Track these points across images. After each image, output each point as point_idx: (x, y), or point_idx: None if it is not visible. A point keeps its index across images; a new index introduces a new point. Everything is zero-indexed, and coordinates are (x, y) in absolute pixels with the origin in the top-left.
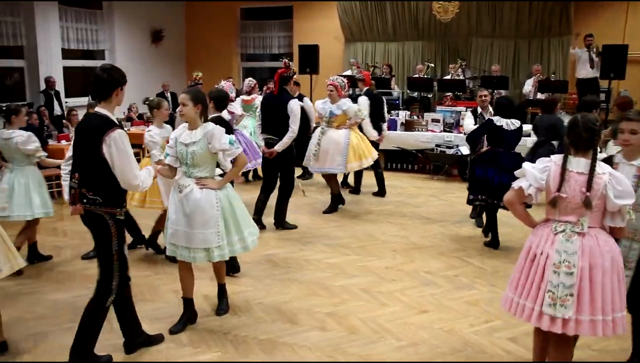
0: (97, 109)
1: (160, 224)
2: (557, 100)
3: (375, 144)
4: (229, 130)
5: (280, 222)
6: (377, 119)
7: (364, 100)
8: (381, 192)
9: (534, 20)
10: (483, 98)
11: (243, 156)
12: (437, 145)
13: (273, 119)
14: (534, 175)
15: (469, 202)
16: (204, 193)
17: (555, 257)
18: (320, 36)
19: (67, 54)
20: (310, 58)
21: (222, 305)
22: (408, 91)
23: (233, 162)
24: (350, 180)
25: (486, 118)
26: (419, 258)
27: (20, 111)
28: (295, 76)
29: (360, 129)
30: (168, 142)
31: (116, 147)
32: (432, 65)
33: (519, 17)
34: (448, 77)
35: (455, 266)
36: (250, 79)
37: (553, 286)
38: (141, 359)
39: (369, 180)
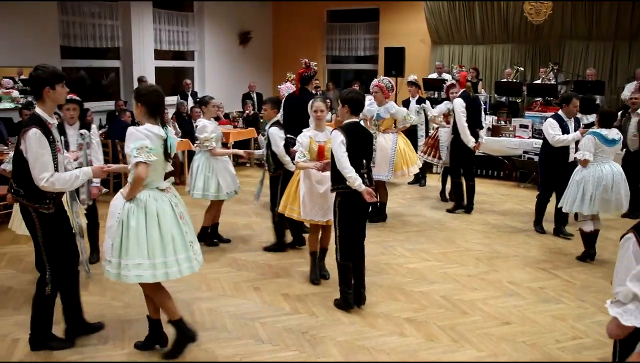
0: (35, 108)
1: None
2: None
3: (469, 152)
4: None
5: None
6: (473, 124)
7: (458, 103)
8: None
9: (637, 20)
10: (634, 100)
11: (140, 169)
12: (525, 152)
13: (294, 118)
14: None
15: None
16: (116, 199)
17: None
18: (407, 38)
19: (158, 54)
20: (396, 60)
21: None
22: (495, 95)
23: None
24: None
25: (632, 118)
26: (502, 268)
27: (209, 102)
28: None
29: (457, 134)
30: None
31: (28, 145)
32: (522, 68)
33: (620, 18)
34: (538, 81)
35: (541, 278)
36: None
37: None
38: (221, 353)
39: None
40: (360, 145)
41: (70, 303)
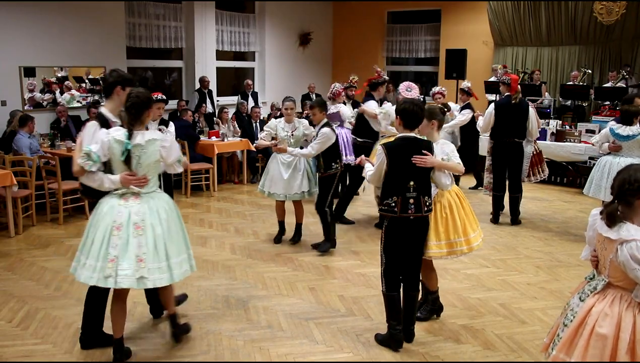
0: (100, 107)
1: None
2: None
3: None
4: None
5: (339, 217)
6: (509, 133)
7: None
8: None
9: None
10: None
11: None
12: (591, 158)
13: (360, 123)
14: None
15: None
16: None
17: None
18: (469, 40)
19: (220, 55)
20: (457, 63)
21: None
22: (560, 99)
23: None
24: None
25: None
26: (564, 277)
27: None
28: (387, 83)
29: (494, 142)
30: None
31: (82, 133)
32: (589, 71)
33: None
34: (608, 84)
35: None
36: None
37: None
38: (275, 352)
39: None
40: (408, 165)
41: (94, 309)
